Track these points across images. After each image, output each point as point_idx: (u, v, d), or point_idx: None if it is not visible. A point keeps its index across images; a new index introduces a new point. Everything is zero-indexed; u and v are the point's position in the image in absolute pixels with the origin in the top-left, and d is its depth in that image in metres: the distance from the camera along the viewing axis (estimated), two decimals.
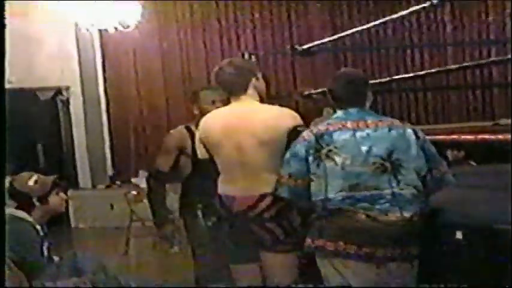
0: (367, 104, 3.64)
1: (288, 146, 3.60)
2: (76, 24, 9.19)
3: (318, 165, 3.44)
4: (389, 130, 3.48)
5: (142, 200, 7.94)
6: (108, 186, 10.03)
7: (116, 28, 8.80)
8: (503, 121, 7.93)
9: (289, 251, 3.73)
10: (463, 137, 4.87)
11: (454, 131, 5.28)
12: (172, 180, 4.66)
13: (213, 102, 4.28)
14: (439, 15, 9.70)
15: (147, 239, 7.61)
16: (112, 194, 9.55)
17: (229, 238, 3.85)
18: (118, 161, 10.31)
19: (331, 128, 3.51)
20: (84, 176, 10.11)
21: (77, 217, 9.54)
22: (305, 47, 7.79)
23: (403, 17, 9.07)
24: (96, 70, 10.11)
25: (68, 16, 8.96)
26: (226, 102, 3.94)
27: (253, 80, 3.81)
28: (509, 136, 4.37)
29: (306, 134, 3.53)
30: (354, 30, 8.09)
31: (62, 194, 4.38)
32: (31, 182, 4.22)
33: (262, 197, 3.67)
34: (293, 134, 3.63)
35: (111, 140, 10.33)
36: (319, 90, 8.42)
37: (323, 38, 8.92)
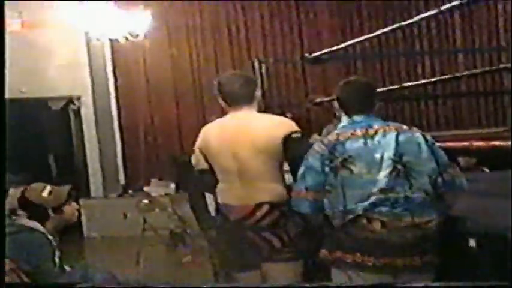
0: (374, 111, 3.64)
1: (285, 154, 3.65)
2: (86, 34, 9.23)
3: (334, 176, 3.44)
4: (398, 134, 3.48)
5: (154, 209, 7.96)
6: (120, 195, 10.04)
7: (126, 38, 8.83)
8: None
9: (288, 260, 3.73)
10: (474, 143, 4.85)
11: (466, 138, 5.26)
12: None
13: None
14: (449, 22, 9.69)
15: (160, 248, 7.62)
16: (124, 203, 9.55)
17: (227, 246, 3.86)
18: (130, 170, 10.32)
19: (341, 138, 3.51)
20: (96, 185, 10.13)
21: (89, 226, 9.56)
22: (315, 54, 7.79)
23: (412, 23, 9.07)
24: (107, 79, 10.14)
25: (78, 26, 9.01)
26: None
27: (257, 90, 3.88)
28: None
29: (318, 146, 3.54)
30: (364, 37, 8.08)
31: (74, 204, 4.39)
32: (45, 193, 4.22)
33: (259, 206, 3.69)
34: (289, 141, 3.66)
35: (122, 149, 10.34)
36: (330, 97, 8.41)
37: (333, 45, 8.92)
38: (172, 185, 9.60)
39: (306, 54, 8.12)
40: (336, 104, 3.75)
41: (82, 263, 4.67)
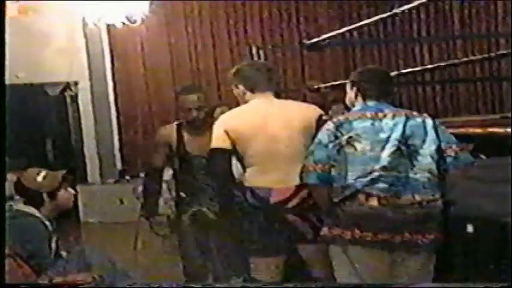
0: (388, 100, 3.75)
1: (315, 135, 3.73)
2: (83, 19, 9.20)
3: (338, 151, 3.55)
4: (407, 119, 3.58)
5: None
6: (117, 181, 10.04)
7: (123, 23, 8.81)
8: None
9: None
10: (471, 130, 4.86)
11: (463, 124, 5.26)
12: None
13: (189, 110, 4.53)
14: (447, 8, 9.66)
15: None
16: (121, 188, 9.56)
17: (258, 230, 3.86)
18: (127, 156, 10.32)
19: (350, 117, 3.64)
20: (93, 171, 10.13)
21: (86, 212, 9.55)
22: (313, 41, 7.77)
23: (411, 9, 9.05)
24: (104, 65, 10.12)
25: (75, 11, 8.98)
26: (202, 109, 4.50)
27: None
28: None
29: (328, 124, 3.66)
30: (362, 23, 8.07)
31: (70, 189, 4.38)
32: (40, 178, 4.22)
33: (300, 187, 3.74)
34: (320, 122, 3.80)
35: (119, 135, 10.34)
36: (328, 84, 8.40)
37: (331, 31, 8.90)
38: (170, 171, 9.58)
39: (304, 41, 8.11)
40: (348, 88, 3.81)
41: (79, 249, 4.65)
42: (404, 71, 9.49)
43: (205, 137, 4.16)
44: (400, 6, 9.04)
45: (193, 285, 4.52)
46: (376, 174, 3.46)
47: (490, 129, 4.91)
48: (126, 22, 8.83)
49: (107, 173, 10.14)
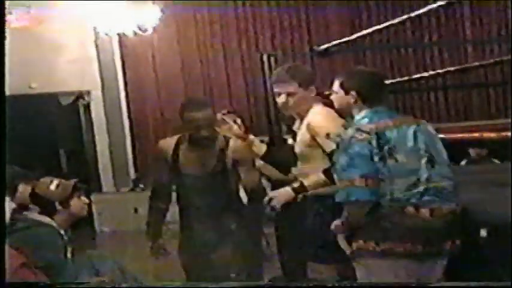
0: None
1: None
2: (95, 29, 9.25)
3: (384, 164, 3.41)
4: (417, 126, 3.53)
5: None
6: (131, 190, 10.06)
7: (135, 32, 8.85)
8: None
9: None
10: (485, 134, 4.85)
11: (476, 129, 5.25)
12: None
13: (198, 128, 4.31)
14: (458, 13, 9.64)
15: (172, 242, 7.61)
16: (135, 197, 9.57)
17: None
18: (140, 164, 10.34)
19: (379, 127, 3.49)
20: (107, 180, 10.16)
21: (101, 221, 9.58)
22: (324, 47, 7.79)
23: (421, 15, 9.06)
24: (116, 74, 10.15)
25: (87, 21, 9.02)
26: (211, 126, 4.31)
27: None
28: None
29: (359, 134, 3.45)
30: (373, 29, 8.08)
31: (83, 198, 4.39)
32: (52, 187, 4.24)
33: None
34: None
35: (133, 143, 10.36)
36: None
37: (342, 37, 8.91)
38: None
39: (315, 47, 8.11)
40: (341, 92, 3.66)
41: (89, 255, 4.67)
42: (415, 76, 9.48)
43: (207, 153, 4.22)
44: (410, 11, 9.09)
45: (194, 285, 4.49)
46: (422, 186, 3.40)
47: (503, 134, 4.90)
48: (138, 31, 8.87)
49: (121, 182, 10.16)
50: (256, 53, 9.32)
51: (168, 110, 10.23)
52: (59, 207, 4.21)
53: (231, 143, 4.33)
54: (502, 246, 3.51)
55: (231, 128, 4.52)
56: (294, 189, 4.02)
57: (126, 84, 10.27)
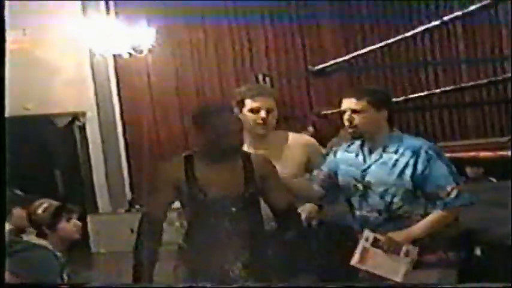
0: None
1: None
2: (90, 50, 9.26)
3: None
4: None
5: None
6: (127, 210, 10.03)
7: (130, 54, 8.87)
8: None
9: None
10: (482, 153, 4.86)
11: (472, 148, 5.26)
12: None
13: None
14: (452, 32, 9.68)
15: (168, 263, 7.59)
16: (132, 218, 9.51)
17: None
18: (136, 185, 10.32)
19: None
20: (103, 201, 10.12)
21: (97, 242, 9.55)
22: (319, 67, 7.81)
23: (415, 35, 9.10)
24: (111, 95, 10.15)
25: (82, 42, 9.04)
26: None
27: None
28: None
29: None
30: (368, 49, 8.11)
31: (74, 221, 4.33)
32: (40, 210, 4.22)
33: None
34: None
35: (128, 164, 10.35)
36: (335, 110, 8.42)
37: (337, 57, 8.94)
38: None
39: (310, 67, 8.14)
40: (373, 111, 3.54)
41: (86, 275, 4.66)
42: (411, 96, 9.50)
43: (234, 170, 3.44)
44: (405, 31, 9.14)
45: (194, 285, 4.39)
46: None
47: (500, 153, 4.90)
48: (133, 53, 8.90)
49: (117, 203, 10.13)
50: (251, 73, 9.35)
51: (163, 130, 10.23)
52: (46, 230, 4.18)
53: (253, 156, 3.54)
54: (496, 265, 3.50)
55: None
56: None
57: (121, 105, 10.27)
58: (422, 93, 9.51)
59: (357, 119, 3.51)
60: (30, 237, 4.21)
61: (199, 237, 3.50)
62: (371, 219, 3.51)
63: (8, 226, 4.39)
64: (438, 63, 9.84)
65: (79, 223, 4.38)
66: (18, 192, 4.61)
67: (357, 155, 3.62)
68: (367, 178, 3.52)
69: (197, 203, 3.40)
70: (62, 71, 9.76)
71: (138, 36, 8.86)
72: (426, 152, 3.46)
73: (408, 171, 3.44)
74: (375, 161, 3.54)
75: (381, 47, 8.68)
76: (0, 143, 3.11)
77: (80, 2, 9.56)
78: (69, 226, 4.28)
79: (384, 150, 3.54)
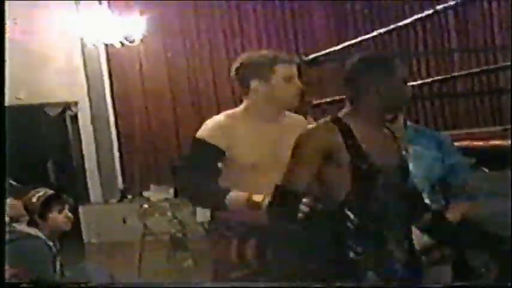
0: None
1: None
2: (82, 40, 9.24)
3: None
4: None
5: (154, 214, 7.96)
6: (119, 201, 10.03)
7: (121, 43, 8.84)
8: None
9: None
10: (474, 143, 4.87)
11: (464, 138, 5.27)
12: None
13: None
14: (444, 22, 9.68)
15: (161, 253, 7.61)
16: (124, 208, 9.55)
17: None
18: (128, 175, 10.31)
19: None
20: (95, 191, 10.12)
21: (89, 232, 9.55)
22: (311, 56, 7.80)
23: (407, 24, 9.10)
24: (103, 84, 10.13)
25: (74, 32, 9.01)
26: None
27: None
28: None
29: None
30: (360, 39, 8.10)
31: (66, 212, 4.33)
32: (34, 199, 4.23)
33: None
34: None
35: (120, 154, 10.33)
36: (327, 99, 8.43)
37: (329, 47, 8.93)
38: (171, 190, 9.60)
39: (303, 57, 8.13)
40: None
41: (81, 266, 4.66)
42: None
43: (388, 136, 2.96)
44: (396, 21, 9.13)
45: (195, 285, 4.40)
46: None
47: (492, 142, 4.92)
48: (125, 42, 8.87)
49: (109, 193, 10.13)
50: None
51: (155, 119, 10.22)
52: (38, 220, 4.18)
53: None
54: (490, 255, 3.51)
55: None
56: None
57: (113, 94, 10.25)
58: (413, 83, 9.51)
59: None
60: (22, 227, 4.21)
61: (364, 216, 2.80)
62: None
63: None
64: (430, 53, 9.85)
65: (70, 215, 4.39)
66: (13, 182, 4.59)
67: None
68: None
69: (359, 173, 2.77)
70: (54, 61, 9.73)
71: (130, 26, 8.83)
72: (451, 145, 3.45)
73: (437, 164, 3.41)
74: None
75: (373, 36, 8.67)
76: (1, 143, 3.14)
77: None
78: (60, 217, 4.29)
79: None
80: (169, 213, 7.99)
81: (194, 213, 7.51)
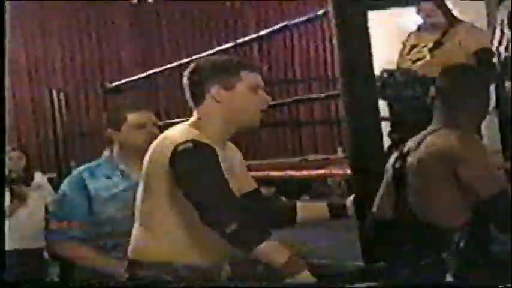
0: None
1: None
2: None
3: None
4: None
5: None
6: None
7: None
8: (311, 156, 8.31)
9: None
10: (272, 173, 4.98)
11: (266, 168, 5.39)
12: None
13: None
14: (248, 53, 9.89)
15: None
16: None
17: None
18: None
19: None
20: None
21: None
22: (114, 84, 7.68)
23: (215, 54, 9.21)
24: None
25: None
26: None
27: None
28: (313, 172, 4.55)
29: None
30: (166, 67, 8.07)
31: None
32: None
33: None
34: None
35: None
36: None
37: (134, 75, 8.86)
38: None
39: (106, 84, 8.00)
40: None
41: None
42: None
43: None
44: (206, 50, 9.24)
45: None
46: None
47: (289, 173, 5.05)
48: None
49: None
50: (46, 89, 9.05)
51: None
52: None
53: None
54: None
55: None
56: None
57: None
58: None
59: None
60: None
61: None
62: None
63: None
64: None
65: None
66: None
67: None
68: None
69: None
70: None
71: None
72: None
73: None
74: None
75: (179, 65, 8.67)
76: (1, 143, 3.19)
77: None
78: None
79: None
80: None
81: None
